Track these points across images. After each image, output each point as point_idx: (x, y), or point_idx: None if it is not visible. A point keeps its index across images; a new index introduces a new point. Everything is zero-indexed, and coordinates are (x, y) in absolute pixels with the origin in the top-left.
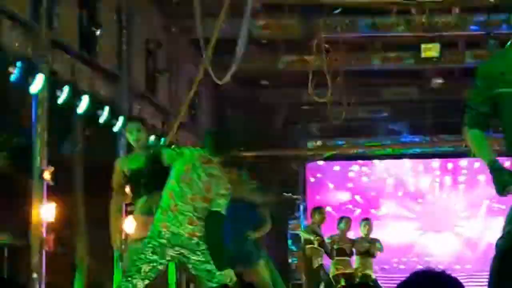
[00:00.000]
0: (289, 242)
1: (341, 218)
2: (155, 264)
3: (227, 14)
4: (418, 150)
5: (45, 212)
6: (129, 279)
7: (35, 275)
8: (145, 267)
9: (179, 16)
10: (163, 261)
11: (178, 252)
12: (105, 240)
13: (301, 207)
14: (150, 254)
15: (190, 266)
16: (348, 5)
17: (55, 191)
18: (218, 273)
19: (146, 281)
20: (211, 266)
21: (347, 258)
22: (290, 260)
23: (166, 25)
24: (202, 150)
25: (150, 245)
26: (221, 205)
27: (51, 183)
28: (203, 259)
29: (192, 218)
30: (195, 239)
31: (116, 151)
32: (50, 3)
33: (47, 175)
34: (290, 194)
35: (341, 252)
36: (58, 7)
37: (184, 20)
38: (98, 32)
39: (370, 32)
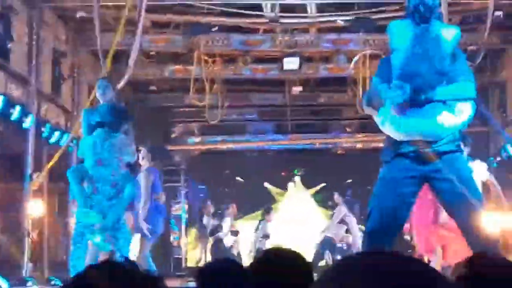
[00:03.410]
0: (172, 222)
1: None
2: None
3: (123, 29)
4: (281, 147)
5: None
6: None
7: None
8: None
9: (81, 30)
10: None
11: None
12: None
13: (183, 193)
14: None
15: None
16: (224, 24)
17: None
18: None
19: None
20: None
21: None
22: (172, 238)
23: (70, 37)
24: None
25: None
26: None
27: None
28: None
29: None
30: None
31: (25, 145)
32: None
33: None
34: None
35: None
36: None
37: (86, 34)
38: (11, 42)
39: (242, 47)
